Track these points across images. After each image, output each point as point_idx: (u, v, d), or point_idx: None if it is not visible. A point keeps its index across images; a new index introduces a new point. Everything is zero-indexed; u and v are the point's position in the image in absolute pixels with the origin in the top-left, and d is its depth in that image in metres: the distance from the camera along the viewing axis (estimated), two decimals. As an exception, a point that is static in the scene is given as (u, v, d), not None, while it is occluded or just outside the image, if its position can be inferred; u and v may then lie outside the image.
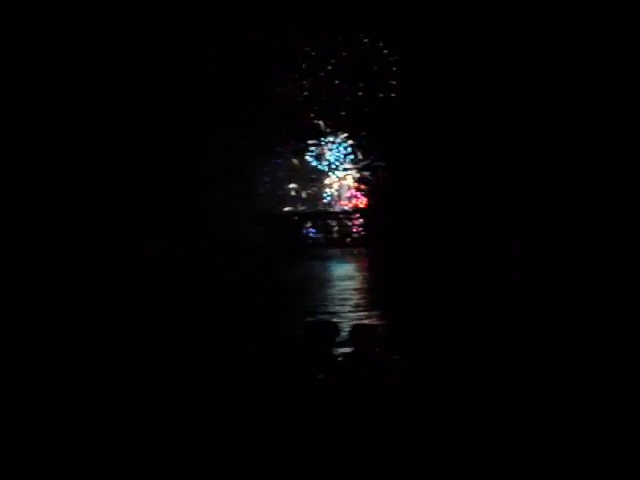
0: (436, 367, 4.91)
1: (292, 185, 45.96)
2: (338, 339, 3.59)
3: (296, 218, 45.12)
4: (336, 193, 45.50)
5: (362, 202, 46.78)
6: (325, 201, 44.53)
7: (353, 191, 45.64)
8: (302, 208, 46.43)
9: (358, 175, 45.97)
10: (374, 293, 12.98)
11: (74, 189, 2.62)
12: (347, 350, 3.48)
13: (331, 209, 46.37)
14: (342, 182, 45.89)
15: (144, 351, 6.17)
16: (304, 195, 45.76)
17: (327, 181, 45.96)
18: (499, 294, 12.48)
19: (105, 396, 4.22)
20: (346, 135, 46.22)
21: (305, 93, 42.48)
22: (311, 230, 44.16)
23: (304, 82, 40.74)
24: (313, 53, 39.08)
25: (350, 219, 44.97)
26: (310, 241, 44.18)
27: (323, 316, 8.68)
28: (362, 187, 44.71)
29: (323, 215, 45.59)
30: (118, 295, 12.88)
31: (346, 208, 47.40)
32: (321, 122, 45.37)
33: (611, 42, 2.53)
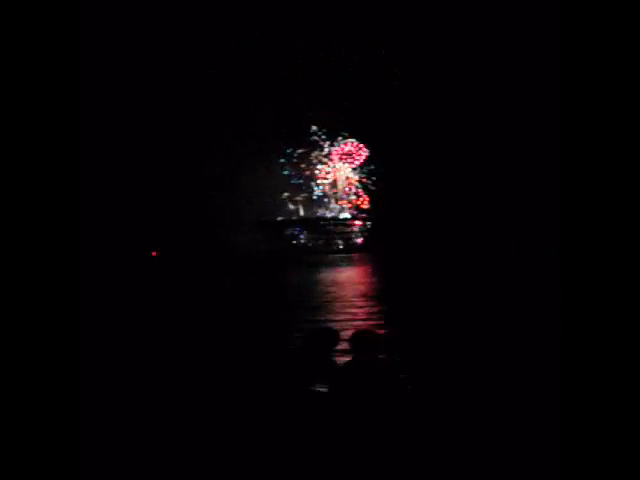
0: (436, 369, 4.91)
1: (287, 193, 45.73)
2: (338, 345, 3.58)
3: (292, 225, 44.99)
4: (331, 190, 45.05)
5: (362, 201, 46.30)
6: (314, 197, 44.15)
7: (351, 188, 45.17)
8: (299, 215, 46.24)
9: (356, 177, 45.65)
10: (373, 299, 13.00)
11: (73, 191, 2.60)
12: (347, 356, 3.48)
13: (328, 210, 46.07)
14: (337, 174, 45.38)
15: (144, 354, 6.17)
16: (300, 201, 45.56)
17: (321, 173, 45.51)
18: (499, 294, 12.52)
19: (107, 398, 4.23)
20: (347, 141, 46.04)
21: (304, 94, 42.33)
22: (307, 237, 43.97)
23: (303, 83, 40.64)
24: (313, 53, 39.01)
25: (347, 225, 44.80)
26: (302, 247, 43.96)
27: (322, 323, 8.69)
28: (362, 181, 44.32)
29: (320, 221, 45.37)
30: (118, 299, 12.92)
31: (344, 207, 47.06)
32: (323, 127, 45.05)
33: (610, 44, 2.50)
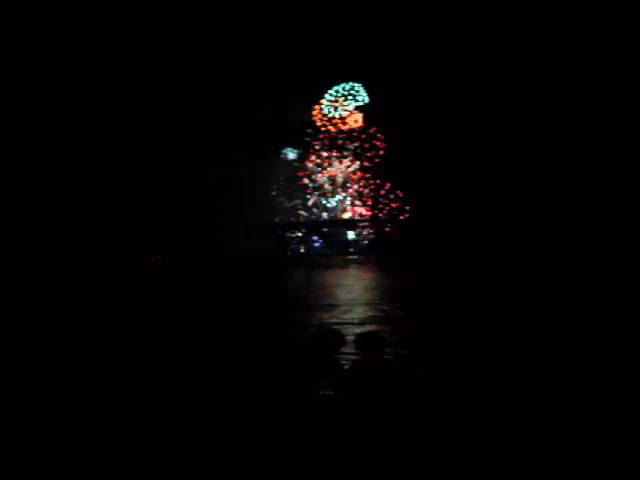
0: (441, 370, 4.96)
1: (285, 197, 45.50)
2: (343, 346, 3.60)
3: (293, 228, 44.72)
4: (330, 191, 44.74)
5: (365, 202, 45.92)
6: (314, 198, 43.74)
7: (353, 187, 44.83)
8: (298, 218, 45.85)
9: (357, 176, 45.30)
10: (378, 301, 13.00)
11: (74, 195, 2.58)
12: (352, 357, 3.50)
13: (327, 212, 45.54)
14: (337, 173, 44.82)
15: (148, 358, 6.21)
16: (300, 203, 45.28)
17: (318, 173, 45.00)
18: (499, 294, 12.55)
19: (109, 402, 4.28)
20: (348, 142, 45.65)
21: (303, 94, 42.13)
22: (306, 239, 43.70)
23: (303, 83, 40.45)
24: (312, 55, 38.78)
25: (350, 227, 44.51)
26: (303, 250, 43.65)
27: (327, 324, 8.70)
28: (366, 178, 43.93)
29: (318, 223, 44.97)
30: (121, 304, 12.93)
31: (346, 207, 46.70)
32: (321, 128, 44.80)
33: (610, 46, 2.49)
